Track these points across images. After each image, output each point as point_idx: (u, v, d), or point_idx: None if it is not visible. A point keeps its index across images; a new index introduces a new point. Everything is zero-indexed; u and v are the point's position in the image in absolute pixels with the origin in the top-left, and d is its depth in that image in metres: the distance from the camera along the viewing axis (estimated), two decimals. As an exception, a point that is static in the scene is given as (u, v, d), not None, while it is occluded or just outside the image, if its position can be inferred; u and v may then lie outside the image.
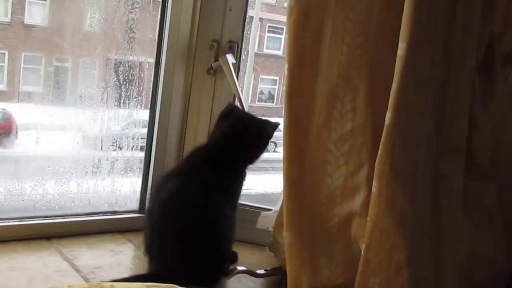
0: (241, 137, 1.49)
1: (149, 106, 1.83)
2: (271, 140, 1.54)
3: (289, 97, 1.31)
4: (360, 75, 1.27)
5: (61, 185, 1.73)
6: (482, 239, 1.33)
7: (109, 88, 1.78)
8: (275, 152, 2.03)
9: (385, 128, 1.18)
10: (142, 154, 1.86)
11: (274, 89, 2.84)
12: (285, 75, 1.30)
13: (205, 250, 1.37)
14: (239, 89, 1.67)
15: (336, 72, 1.29)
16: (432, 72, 1.22)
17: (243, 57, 1.84)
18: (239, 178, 1.51)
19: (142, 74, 1.81)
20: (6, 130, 1.83)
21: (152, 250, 1.41)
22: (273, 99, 2.82)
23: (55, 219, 1.68)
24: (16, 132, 1.82)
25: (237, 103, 1.68)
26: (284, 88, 1.33)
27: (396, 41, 1.17)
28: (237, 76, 1.73)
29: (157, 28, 1.79)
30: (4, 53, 1.84)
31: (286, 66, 1.30)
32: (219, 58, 1.72)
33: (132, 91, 1.80)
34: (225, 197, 1.44)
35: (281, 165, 1.35)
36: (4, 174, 1.69)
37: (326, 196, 1.33)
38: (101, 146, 1.80)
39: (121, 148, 1.83)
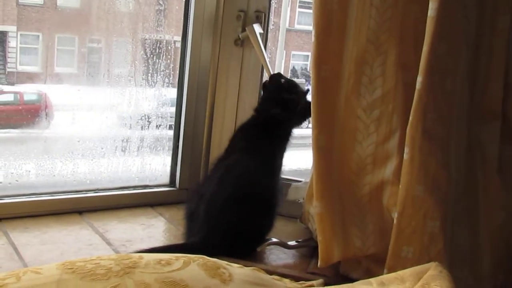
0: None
1: (177, 81, 1.82)
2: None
3: (317, 63, 1.28)
4: (390, 39, 1.24)
5: (91, 160, 1.75)
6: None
7: (136, 62, 1.77)
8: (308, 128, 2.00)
9: (416, 93, 1.15)
10: (171, 133, 1.86)
11: (306, 65, 2.81)
12: (313, 40, 1.27)
13: (257, 215, 1.41)
14: (267, 59, 1.64)
15: (364, 36, 1.25)
16: (465, 33, 1.17)
17: (274, 32, 1.81)
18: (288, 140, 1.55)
19: (169, 47, 1.80)
20: (42, 111, 1.84)
21: (198, 214, 1.42)
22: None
23: (86, 193, 1.70)
24: (52, 113, 1.83)
25: (264, 73, 1.66)
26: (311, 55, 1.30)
27: (427, 1, 1.13)
28: (264, 47, 1.70)
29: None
30: (38, 35, 1.85)
31: (313, 31, 1.27)
32: (246, 28, 1.69)
33: (159, 65, 1.79)
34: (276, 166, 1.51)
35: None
36: (36, 151, 1.70)
37: (356, 165, 1.30)
38: (131, 124, 1.81)
39: (150, 126, 1.83)
